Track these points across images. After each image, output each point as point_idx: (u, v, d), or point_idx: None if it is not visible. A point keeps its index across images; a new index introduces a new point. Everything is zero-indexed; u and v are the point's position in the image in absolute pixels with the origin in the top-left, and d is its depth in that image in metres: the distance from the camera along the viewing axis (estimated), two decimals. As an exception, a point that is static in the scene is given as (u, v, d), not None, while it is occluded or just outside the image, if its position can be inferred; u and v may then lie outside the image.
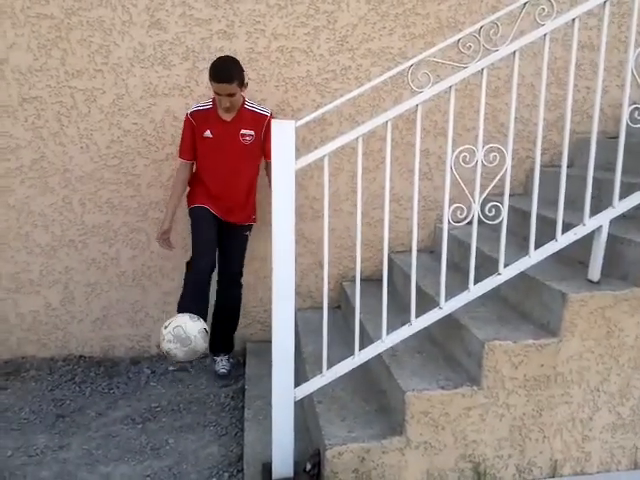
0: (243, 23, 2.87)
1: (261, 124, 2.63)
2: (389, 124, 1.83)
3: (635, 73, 1.88)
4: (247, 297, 3.11)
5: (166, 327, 2.29)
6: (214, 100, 2.62)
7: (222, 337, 2.86)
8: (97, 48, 2.84)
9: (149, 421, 2.43)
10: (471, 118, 3.04)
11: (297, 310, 3.07)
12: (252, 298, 3.12)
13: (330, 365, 1.92)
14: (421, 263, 2.81)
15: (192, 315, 2.34)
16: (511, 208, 2.67)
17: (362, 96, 2.93)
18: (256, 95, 2.93)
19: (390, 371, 1.99)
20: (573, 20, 1.86)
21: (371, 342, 1.95)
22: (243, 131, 2.61)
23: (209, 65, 2.90)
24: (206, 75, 2.89)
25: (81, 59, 2.85)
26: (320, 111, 1.83)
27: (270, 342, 1.83)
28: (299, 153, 1.79)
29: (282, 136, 1.74)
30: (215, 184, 2.64)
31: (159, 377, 2.85)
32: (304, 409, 2.29)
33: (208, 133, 2.62)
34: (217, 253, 2.71)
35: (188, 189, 2.78)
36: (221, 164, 2.62)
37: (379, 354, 2.04)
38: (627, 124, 1.90)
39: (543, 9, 1.84)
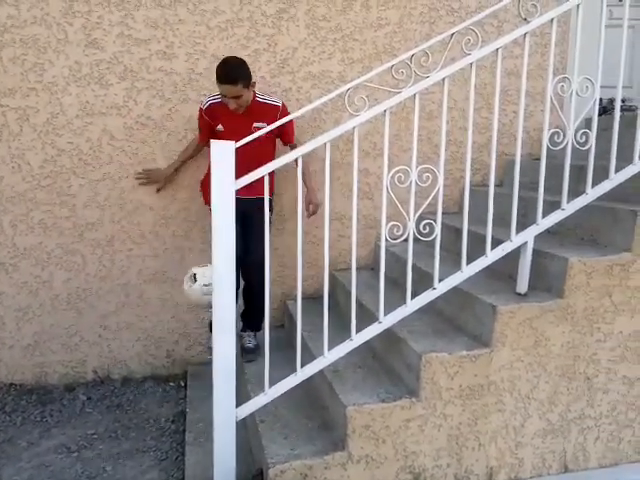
0: (183, 44, 2.88)
1: (274, 115, 2.60)
2: (328, 145, 1.89)
3: (554, 100, 2.02)
4: (188, 318, 3.08)
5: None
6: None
7: (249, 315, 2.78)
8: (31, 66, 2.77)
9: (85, 449, 2.33)
10: (408, 140, 3.17)
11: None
12: (193, 319, 3.08)
13: (273, 383, 1.92)
14: (362, 280, 2.87)
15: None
16: (446, 226, 2.80)
17: (303, 117, 3.00)
18: (196, 115, 2.92)
19: (332, 387, 2.02)
20: (497, 50, 1.99)
21: (314, 359, 1.97)
22: (256, 124, 2.59)
23: (149, 85, 2.90)
24: (145, 95, 2.87)
25: (13, 77, 2.76)
26: (259, 133, 1.86)
27: (212, 364, 1.82)
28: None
29: (222, 157, 1.76)
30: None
31: (96, 403, 2.75)
32: (247, 429, 2.27)
33: (220, 127, 2.62)
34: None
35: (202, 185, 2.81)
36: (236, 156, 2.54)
37: (322, 370, 2.06)
38: (548, 147, 2.04)
39: (469, 39, 1.96)
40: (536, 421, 2.04)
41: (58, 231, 2.91)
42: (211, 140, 1.78)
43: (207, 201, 2.71)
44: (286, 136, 2.73)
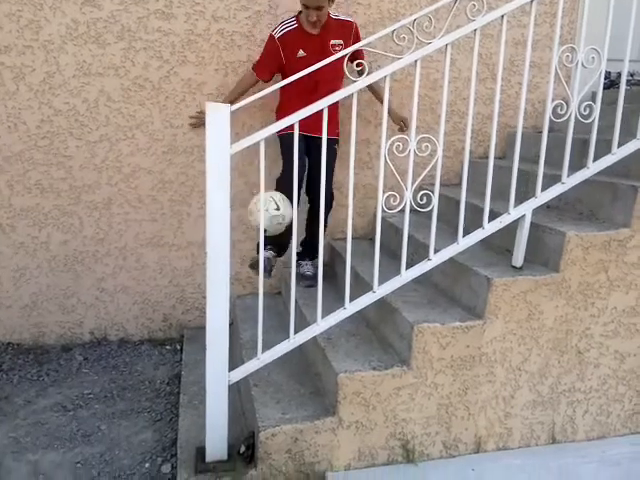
0: (182, 4, 2.80)
1: (349, 32, 2.63)
2: (325, 111, 1.85)
3: (559, 71, 1.97)
4: (185, 283, 3.09)
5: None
6: (297, 17, 2.60)
7: (310, 244, 2.83)
8: (27, 23, 2.70)
9: (80, 408, 2.37)
10: (411, 109, 3.10)
11: (237, 296, 3.07)
12: (190, 284, 3.09)
13: (267, 349, 1.94)
14: (361, 250, 2.86)
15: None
16: (446, 197, 2.78)
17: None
18: (196, 78, 2.88)
19: (325, 354, 2.04)
20: (502, 17, 1.93)
21: (309, 326, 1.98)
22: (333, 42, 2.60)
23: (146, 45, 2.83)
24: (142, 55, 2.81)
25: (9, 34, 2.70)
26: (256, 96, 1.82)
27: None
28: (238, 137, 1.79)
29: (217, 120, 1.73)
30: (306, 100, 2.25)
31: (92, 364, 2.78)
32: (240, 393, 2.30)
33: (302, 52, 2.58)
34: (306, 173, 2.70)
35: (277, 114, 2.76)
36: (317, 83, 2.53)
37: (315, 338, 2.08)
38: (551, 119, 2.00)
39: (474, 5, 1.90)
40: (526, 393, 2.07)
41: (55, 192, 2.89)
42: (207, 103, 1.74)
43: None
44: (359, 54, 2.64)
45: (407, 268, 1.99)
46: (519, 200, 2.03)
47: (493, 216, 2.03)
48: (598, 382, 2.13)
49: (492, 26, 2.96)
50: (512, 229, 2.06)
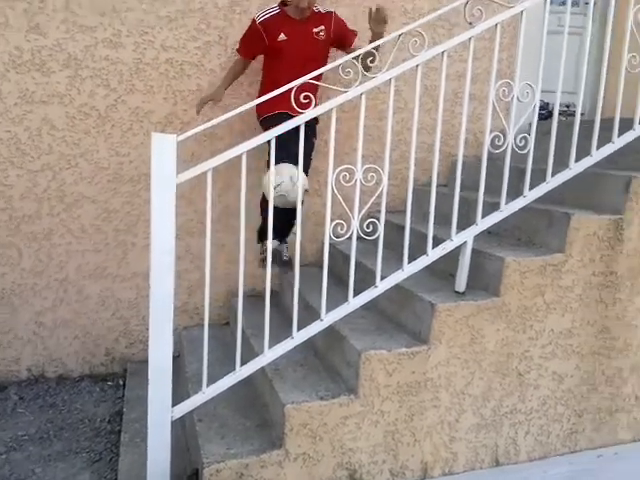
0: (131, 33, 2.80)
1: (328, 20, 2.77)
2: (273, 141, 1.88)
3: (496, 104, 2.07)
4: (129, 315, 3.00)
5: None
6: (281, 5, 2.71)
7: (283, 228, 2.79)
8: (-34, 49, 2.63)
9: (14, 451, 2.24)
10: (356, 139, 3.18)
11: (184, 328, 3.01)
12: (134, 316, 3.01)
13: (213, 382, 1.90)
14: (311, 277, 2.86)
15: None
16: (393, 224, 2.83)
17: (252, 114, 2.96)
18: (144, 106, 2.86)
19: (272, 385, 2.01)
20: (442, 53, 2.03)
21: (256, 357, 1.96)
22: (315, 29, 2.73)
23: (93, 73, 2.80)
24: (89, 83, 2.78)
25: (-54, 59, 2.62)
26: (205, 125, 1.83)
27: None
28: (186, 166, 1.79)
29: (163, 150, 1.72)
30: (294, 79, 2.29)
31: (28, 403, 2.64)
32: (185, 428, 2.23)
33: (282, 36, 2.67)
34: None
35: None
36: (297, 66, 2.54)
37: (263, 369, 2.06)
38: (490, 150, 2.09)
39: (416, 41, 1.99)
40: (470, 416, 2.10)
41: (-8, 223, 2.78)
42: (152, 133, 1.74)
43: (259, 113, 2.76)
44: (346, 39, 2.82)
45: (355, 295, 2.01)
46: (461, 227, 2.10)
47: (437, 242, 2.09)
48: (538, 403, 2.19)
49: (436, 60, 3.11)
50: (455, 255, 2.12)
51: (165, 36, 2.84)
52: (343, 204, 2.00)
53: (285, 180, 2.44)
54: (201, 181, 1.84)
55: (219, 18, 2.89)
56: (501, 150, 2.09)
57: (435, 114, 3.35)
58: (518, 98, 2.08)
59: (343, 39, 2.82)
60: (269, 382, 2.05)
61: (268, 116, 2.68)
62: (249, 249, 3.04)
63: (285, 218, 2.71)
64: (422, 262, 2.08)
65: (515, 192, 2.14)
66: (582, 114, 2.23)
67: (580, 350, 2.22)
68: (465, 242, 2.11)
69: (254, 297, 2.99)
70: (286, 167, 2.42)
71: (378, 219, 1.99)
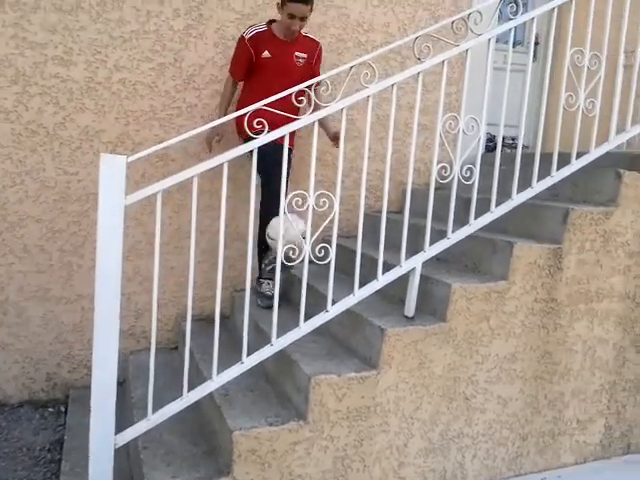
0: (83, 52, 2.76)
1: (313, 49, 2.88)
2: (225, 165, 1.88)
3: (443, 135, 2.16)
4: (73, 339, 2.89)
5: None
6: (268, 23, 2.78)
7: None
8: None
9: (-59, 485, 2.10)
10: (310, 166, 3.22)
11: (130, 352, 2.92)
12: (78, 340, 2.90)
13: (159, 408, 1.86)
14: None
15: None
16: (347, 249, 2.87)
17: (201, 135, 2.96)
18: (94, 125, 2.81)
19: (221, 411, 1.97)
20: (392, 85, 2.10)
21: (205, 382, 1.92)
22: (297, 53, 2.82)
23: (42, 91, 2.74)
24: (37, 100, 2.71)
25: None
26: (158, 146, 1.82)
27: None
28: (137, 187, 1.77)
29: (111, 171, 1.70)
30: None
31: (-39, 432, 2.49)
32: (129, 456, 2.16)
33: (267, 53, 2.74)
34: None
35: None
36: (275, 84, 2.60)
37: (211, 394, 2.02)
38: (438, 180, 2.17)
39: (367, 73, 2.05)
40: (418, 441, 2.12)
41: None
42: (101, 154, 1.71)
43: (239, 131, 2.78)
44: (314, 74, 2.86)
45: (307, 319, 2.02)
46: (412, 253, 2.16)
47: (388, 268, 2.13)
48: (484, 427, 2.25)
49: (388, 91, 3.21)
50: (406, 280, 2.17)
51: (119, 56, 2.82)
52: (295, 229, 2.02)
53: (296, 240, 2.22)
54: (151, 202, 1.82)
55: (174, 40, 2.90)
56: (448, 180, 2.17)
57: (387, 143, 3.47)
58: (464, 131, 2.18)
59: (315, 72, 2.90)
60: (217, 408, 2.01)
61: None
62: (199, 272, 3.03)
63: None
64: (372, 287, 2.11)
65: (462, 221, 2.22)
66: (527, 147, 2.36)
67: (524, 374, 2.29)
68: (414, 268, 2.16)
69: (204, 321, 2.95)
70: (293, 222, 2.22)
71: (329, 244, 2.01)
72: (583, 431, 2.46)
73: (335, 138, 2.99)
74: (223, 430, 1.93)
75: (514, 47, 4.34)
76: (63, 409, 2.74)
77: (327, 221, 2.09)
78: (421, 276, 2.18)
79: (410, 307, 2.17)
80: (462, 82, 3.66)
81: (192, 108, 2.96)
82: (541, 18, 2.44)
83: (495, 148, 2.37)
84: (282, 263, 2.00)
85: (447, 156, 2.22)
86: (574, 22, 2.29)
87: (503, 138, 4.10)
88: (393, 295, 2.40)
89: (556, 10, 2.27)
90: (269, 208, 2.58)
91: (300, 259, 2.04)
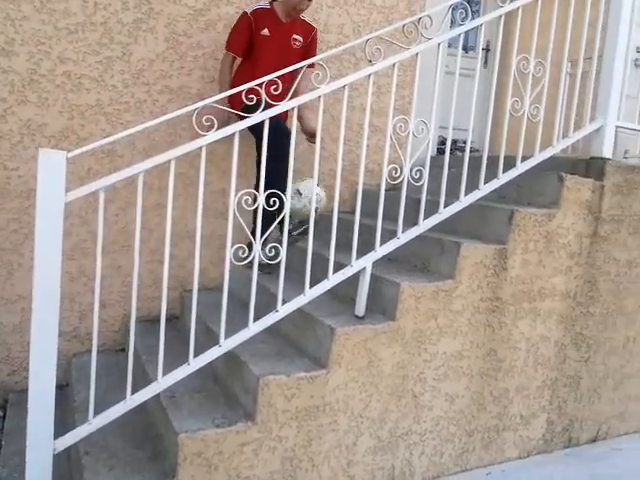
0: (25, 42, 2.65)
1: (309, 33, 2.92)
2: (173, 162, 1.85)
3: (393, 137, 2.18)
4: (12, 341, 2.77)
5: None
6: (272, 3, 2.81)
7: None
8: None
9: None
10: (260, 165, 3.20)
11: (73, 355, 2.82)
12: (18, 342, 2.77)
13: (102, 411, 1.80)
14: (213, 301, 2.81)
15: None
16: (300, 249, 2.86)
17: (158, 131, 2.90)
18: (36, 119, 2.70)
19: (166, 413, 1.93)
20: (344, 87, 2.11)
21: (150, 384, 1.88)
22: (295, 35, 2.86)
23: None
24: (-25, 90, 2.59)
25: None
26: (102, 141, 1.77)
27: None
28: (82, 184, 1.71)
29: (50, 167, 1.64)
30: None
31: None
32: (70, 462, 2.08)
33: (266, 31, 2.76)
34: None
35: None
36: (272, 63, 2.62)
37: (158, 396, 1.98)
38: (388, 181, 2.19)
39: (318, 74, 2.05)
40: (367, 439, 2.14)
41: None
42: (40, 149, 1.64)
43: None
44: (310, 57, 2.82)
45: (257, 320, 2.00)
46: (362, 253, 2.17)
47: (340, 267, 2.14)
48: (432, 424, 2.29)
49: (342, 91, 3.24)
50: (357, 279, 2.18)
51: (63, 48, 2.72)
52: (245, 228, 2.00)
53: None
54: (97, 200, 1.76)
55: (123, 34, 2.82)
56: (399, 181, 2.20)
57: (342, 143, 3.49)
58: (414, 133, 2.21)
59: (308, 56, 2.85)
60: (163, 410, 1.97)
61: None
62: (147, 271, 2.96)
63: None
64: (323, 286, 2.11)
65: (413, 221, 2.25)
66: (477, 150, 2.42)
67: (470, 372, 2.35)
68: (364, 268, 2.17)
69: (152, 321, 2.88)
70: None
71: (280, 244, 2.00)
72: (526, 426, 2.54)
73: (310, 134, 2.97)
74: (169, 433, 1.89)
75: (467, 53, 4.46)
76: (1, 413, 2.62)
77: (277, 220, 2.08)
78: (372, 276, 2.20)
79: (360, 306, 2.19)
80: (415, 86, 3.75)
81: (141, 103, 2.88)
82: (492, 25, 2.51)
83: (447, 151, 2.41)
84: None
85: (399, 158, 2.25)
86: (520, 30, 2.37)
87: (455, 141, 4.24)
88: (345, 295, 2.41)
89: (503, 18, 2.33)
90: (280, 168, 2.44)
91: (250, 259, 2.02)
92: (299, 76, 2.07)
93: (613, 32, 2.57)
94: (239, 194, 1.93)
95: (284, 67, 2.52)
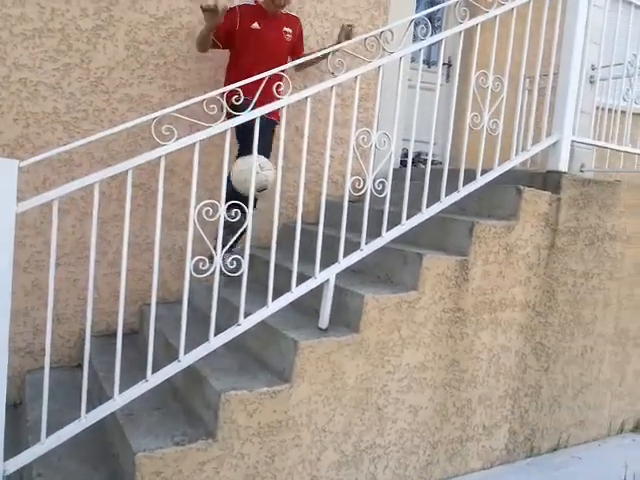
0: (-22, 46, 2.56)
1: (295, 24, 3.02)
2: (130, 172, 1.81)
3: (356, 150, 2.19)
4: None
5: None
6: (257, 1, 2.92)
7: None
8: None
9: None
10: (221, 176, 3.17)
11: (27, 371, 2.70)
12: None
13: (55, 430, 1.72)
14: (175, 315, 2.75)
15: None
16: (263, 261, 2.83)
17: (117, 141, 2.84)
18: (-11, 126, 2.60)
19: (123, 432, 1.86)
20: (306, 98, 2.11)
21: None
22: (285, 28, 2.95)
23: None
24: None
25: None
26: (58, 149, 1.72)
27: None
28: (38, 194, 1.65)
29: (1, 175, 1.57)
30: (258, 71, 2.22)
31: None
32: (20, 487, 1.98)
33: (256, 25, 2.83)
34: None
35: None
36: (262, 56, 2.77)
37: (114, 414, 1.91)
38: (351, 192, 2.19)
39: (280, 84, 2.04)
40: (331, 453, 2.11)
41: None
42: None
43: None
44: (298, 49, 3.07)
45: (219, 333, 1.96)
46: (326, 265, 2.16)
47: (304, 279, 2.12)
48: (396, 436, 2.28)
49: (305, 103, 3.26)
50: (321, 291, 2.16)
51: (19, 54, 2.63)
52: (206, 240, 1.96)
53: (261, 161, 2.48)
54: (52, 210, 1.70)
55: (82, 41, 2.75)
56: (362, 193, 2.20)
57: (307, 155, 3.49)
58: (376, 146, 2.22)
59: (297, 48, 3.07)
60: (120, 429, 1.90)
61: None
62: (105, 285, 2.87)
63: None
64: (286, 299, 2.09)
65: (376, 233, 2.26)
66: (440, 163, 2.44)
67: (433, 383, 2.36)
68: (328, 280, 2.16)
69: (110, 336, 2.80)
70: (252, 157, 2.38)
71: (241, 256, 1.97)
72: (489, 437, 2.56)
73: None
74: (126, 452, 1.82)
75: (430, 67, 4.54)
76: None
77: (239, 232, 2.06)
78: (336, 287, 2.19)
79: (324, 319, 2.17)
80: (380, 98, 3.79)
81: (100, 112, 2.81)
82: (454, 41, 2.55)
83: (411, 164, 2.43)
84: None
85: (363, 170, 2.25)
86: (480, 46, 2.42)
87: (419, 154, 4.29)
88: (309, 307, 2.39)
89: (463, 34, 2.38)
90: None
91: (211, 271, 1.98)
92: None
93: (568, 50, 2.66)
94: (199, 205, 1.89)
95: (277, 60, 2.68)
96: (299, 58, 2.86)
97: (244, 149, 2.65)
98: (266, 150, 2.91)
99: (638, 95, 3.02)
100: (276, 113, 2.90)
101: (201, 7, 2.63)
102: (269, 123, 2.83)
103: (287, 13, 3.02)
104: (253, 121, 2.02)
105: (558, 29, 2.65)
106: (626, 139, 2.98)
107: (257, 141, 2.02)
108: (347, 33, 3.09)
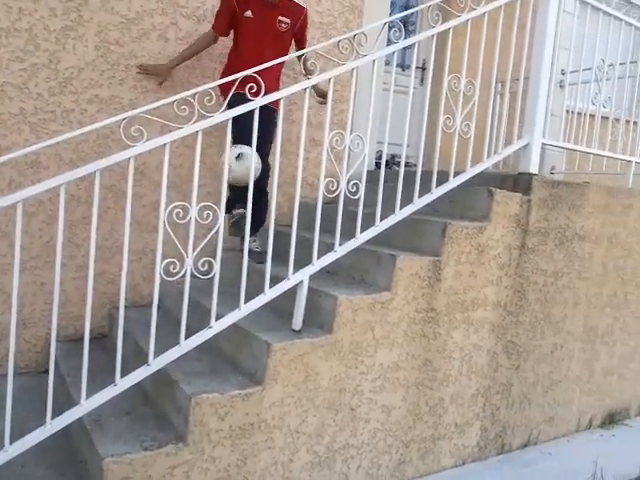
0: (-59, 45, 2.49)
1: (298, 15, 2.89)
2: (98, 174, 1.78)
3: (330, 152, 2.19)
4: None
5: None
6: None
7: (255, 219, 2.67)
8: None
9: None
10: (201, 175, 3.14)
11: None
12: None
13: (20, 437, 1.68)
14: (145, 318, 2.70)
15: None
16: (235, 262, 2.81)
17: (86, 142, 2.79)
18: (-47, 126, 2.54)
19: (91, 437, 1.83)
20: (279, 100, 2.10)
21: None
22: (281, 18, 2.82)
23: None
24: None
25: None
26: (25, 150, 1.68)
27: None
28: (3, 196, 1.61)
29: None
30: (248, 66, 2.19)
31: None
32: (-16, 497, 1.93)
33: (249, 13, 2.74)
34: None
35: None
36: (256, 46, 2.73)
37: (82, 419, 1.87)
38: (325, 194, 2.19)
39: (253, 86, 2.03)
40: (304, 455, 2.10)
41: None
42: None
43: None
44: (301, 42, 3.00)
45: (190, 336, 1.94)
46: (300, 266, 2.15)
47: (278, 281, 2.11)
48: (369, 436, 2.28)
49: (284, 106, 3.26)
50: (295, 293, 2.15)
51: (-15, 53, 2.58)
52: (176, 242, 1.94)
53: (245, 152, 2.52)
54: (23, 213, 1.67)
55: (50, 41, 2.70)
56: (336, 195, 2.21)
57: (282, 157, 3.48)
58: (350, 147, 2.23)
59: (299, 41, 3.00)
60: (88, 434, 1.86)
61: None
62: (74, 288, 2.82)
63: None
64: (259, 301, 2.08)
65: (350, 234, 2.26)
66: (414, 165, 2.46)
67: (406, 382, 2.37)
68: (302, 281, 2.16)
69: (79, 341, 2.72)
70: (242, 146, 2.50)
71: (213, 258, 1.96)
72: (461, 434, 2.58)
73: (321, 95, 3.12)
74: (93, 458, 1.79)
75: (404, 71, 4.58)
76: None
77: (212, 233, 2.04)
78: (310, 289, 2.18)
79: (298, 320, 2.16)
80: (356, 100, 3.80)
81: (68, 113, 2.76)
82: (428, 45, 2.57)
83: (386, 166, 2.44)
84: None
85: (337, 172, 2.25)
86: (452, 50, 2.44)
87: (394, 156, 4.32)
88: (284, 309, 2.37)
89: (435, 37, 2.40)
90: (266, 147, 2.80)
91: (182, 273, 1.96)
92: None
93: (538, 55, 2.70)
94: (171, 206, 1.86)
95: (269, 50, 2.65)
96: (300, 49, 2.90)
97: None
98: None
99: (606, 99, 3.09)
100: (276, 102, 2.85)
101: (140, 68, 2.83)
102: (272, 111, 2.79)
103: (292, 1, 2.92)
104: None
105: (529, 34, 2.70)
106: (595, 142, 3.05)
107: (233, 134, 2.04)
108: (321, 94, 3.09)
